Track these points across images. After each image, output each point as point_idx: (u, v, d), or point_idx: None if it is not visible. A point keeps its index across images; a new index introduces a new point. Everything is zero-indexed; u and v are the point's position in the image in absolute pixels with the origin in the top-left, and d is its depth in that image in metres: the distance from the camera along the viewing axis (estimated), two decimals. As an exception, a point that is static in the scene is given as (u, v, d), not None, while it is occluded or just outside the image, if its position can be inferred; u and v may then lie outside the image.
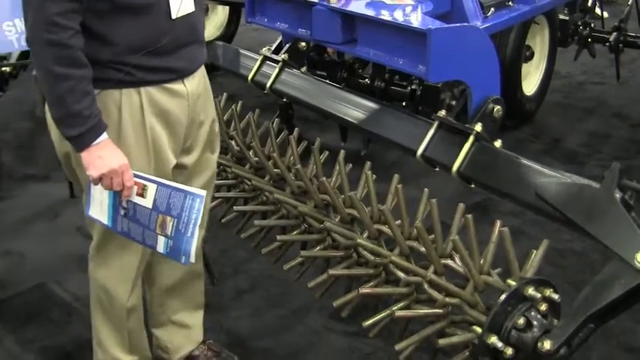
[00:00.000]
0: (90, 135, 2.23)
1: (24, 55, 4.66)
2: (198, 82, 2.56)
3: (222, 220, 3.49)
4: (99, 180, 2.28)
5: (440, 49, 2.80)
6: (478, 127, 2.91)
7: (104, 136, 2.26)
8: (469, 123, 2.99)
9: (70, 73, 2.16)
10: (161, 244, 2.32)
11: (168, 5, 2.32)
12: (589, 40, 5.95)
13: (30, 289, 3.60)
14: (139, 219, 2.34)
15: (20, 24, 3.78)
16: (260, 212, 3.45)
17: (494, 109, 3.03)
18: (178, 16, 2.35)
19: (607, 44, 5.89)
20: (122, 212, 2.36)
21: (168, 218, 2.28)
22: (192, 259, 2.29)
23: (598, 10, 6.41)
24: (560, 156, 5.06)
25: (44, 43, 2.13)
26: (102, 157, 2.25)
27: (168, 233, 2.29)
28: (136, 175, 2.32)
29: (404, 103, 4.13)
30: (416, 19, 2.99)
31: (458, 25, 3.08)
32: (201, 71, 2.60)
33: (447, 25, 2.90)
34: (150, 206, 2.31)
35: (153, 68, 2.35)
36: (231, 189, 3.52)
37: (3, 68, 5.11)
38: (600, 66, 6.58)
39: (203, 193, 2.27)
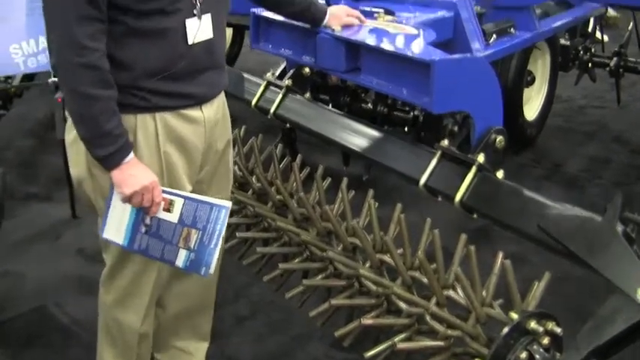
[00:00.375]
0: (121, 153, 2.26)
1: (27, 76, 4.68)
2: (216, 108, 2.56)
3: (225, 246, 3.48)
4: (130, 198, 2.29)
5: (443, 80, 2.80)
6: (481, 158, 2.90)
7: (132, 154, 2.29)
8: (472, 153, 2.98)
9: (102, 94, 2.19)
10: (181, 258, 2.36)
11: (185, 30, 2.33)
12: (590, 64, 5.97)
13: (29, 311, 3.58)
14: (162, 234, 2.37)
15: (27, 47, 3.81)
16: (262, 239, 3.45)
17: (497, 140, 3.03)
18: (196, 41, 2.36)
19: (607, 69, 5.92)
20: (143, 229, 2.38)
21: (194, 231, 2.33)
22: (212, 271, 2.34)
23: (599, 34, 6.42)
24: (561, 181, 5.07)
25: (76, 67, 2.15)
26: (133, 174, 2.28)
27: (192, 246, 2.33)
28: (163, 191, 2.35)
29: (406, 129, 4.13)
30: (420, 49, 2.98)
31: (461, 56, 3.08)
32: (221, 97, 2.61)
33: (450, 57, 2.90)
34: (176, 220, 2.35)
35: (169, 93, 2.36)
36: (234, 215, 3.52)
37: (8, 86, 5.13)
38: (601, 90, 6.60)
39: (228, 204, 2.32)
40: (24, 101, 5.57)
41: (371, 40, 3.09)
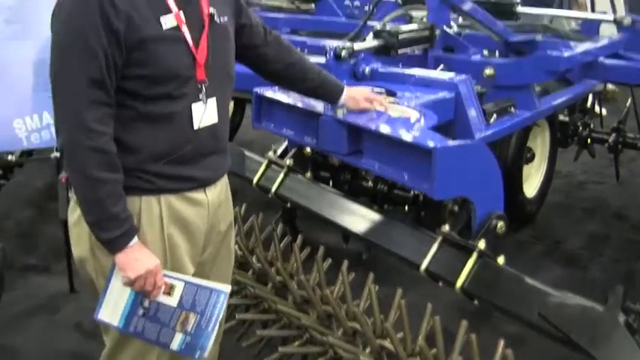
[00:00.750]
0: (126, 237, 2.27)
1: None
2: (220, 190, 2.57)
3: (224, 327, 3.47)
4: (133, 282, 2.29)
5: (445, 167, 2.84)
6: (481, 244, 2.93)
7: (136, 238, 2.30)
8: (472, 239, 3.01)
9: (110, 178, 2.21)
10: (177, 342, 2.36)
11: (191, 115, 2.36)
12: (589, 140, 6.00)
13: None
14: (160, 317, 2.36)
15: (31, 122, 3.84)
16: (262, 320, 3.44)
17: (498, 225, 3.05)
18: (201, 126, 2.38)
19: (606, 145, 5.95)
20: (140, 312, 2.37)
21: (192, 315, 2.34)
22: (206, 354, 2.34)
23: (597, 109, 6.48)
24: (561, 259, 5.05)
25: (85, 150, 2.18)
26: (138, 259, 2.29)
27: (189, 329, 2.34)
28: (164, 275, 2.36)
29: (406, 208, 4.14)
30: (421, 135, 3.01)
31: (463, 142, 3.12)
32: (224, 180, 2.62)
33: (452, 144, 2.94)
34: (175, 304, 2.35)
35: (174, 177, 2.38)
36: (233, 295, 3.51)
37: (9, 157, 5.15)
38: (600, 165, 6.62)
39: (228, 289, 2.34)
40: (24, 170, 5.58)
41: (373, 125, 3.12)
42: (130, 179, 2.29)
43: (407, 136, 3.00)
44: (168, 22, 2.28)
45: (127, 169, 2.28)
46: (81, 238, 2.42)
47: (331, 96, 3.08)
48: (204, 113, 2.39)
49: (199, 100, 2.37)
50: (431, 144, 2.86)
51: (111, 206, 2.22)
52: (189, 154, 2.39)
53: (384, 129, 3.08)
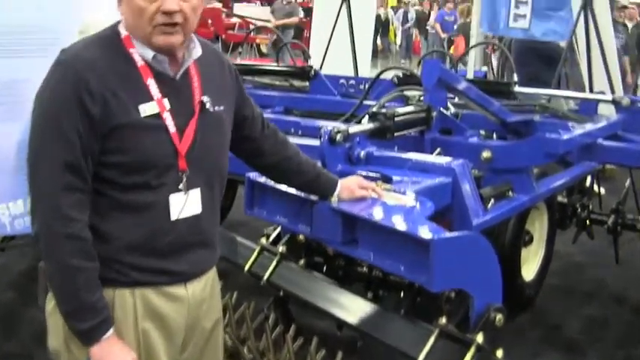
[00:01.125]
0: (101, 328, 2.23)
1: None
2: (204, 286, 2.50)
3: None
4: None
5: (443, 259, 2.80)
6: (479, 338, 2.90)
7: (112, 329, 2.25)
8: (470, 332, 2.97)
9: (86, 266, 2.19)
10: None
11: (169, 205, 2.31)
12: (587, 222, 5.99)
13: None
14: None
15: (14, 207, 3.80)
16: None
17: (497, 318, 3.01)
18: (181, 217, 2.34)
19: (605, 226, 5.94)
20: None
21: None
22: None
23: (596, 188, 6.49)
24: (561, 345, 5.00)
25: (60, 237, 2.16)
26: (112, 352, 2.24)
27: None
28: None
29: (402, 294, 4.11)
30: (418, 225, 2.98)
31: (461, 234, 3.08)
32: (211, 275, 2.55)
33: (449, 235, 2.90)
34: None
35: (150, 269, 2.32)
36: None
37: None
38: (599, 246, 6.59)
39: None
40: (5, 253, 5.52)
41: (368, 214, 3.10)
42: (103, 270, 2.26)
43: (402, 226, 2.97)
44: (147, 109, 2.27)
45: (100, 258, 2.24)
46: (56, 329, 2.36)
47: (325, 190, 3.06)
48: (185, 204, 2.34)
49: (179, 190, 2.33)
50: (428, 235, 2.83)
51: (86, 295, 2.19)
52: (168, 246, 2.34)
53: (379, 218, 3.05)
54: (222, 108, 2.47)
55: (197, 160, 2.36)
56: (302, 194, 3.24)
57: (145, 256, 2.31)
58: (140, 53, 2.30)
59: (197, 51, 2.40)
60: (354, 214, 3.12)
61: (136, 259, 2.30)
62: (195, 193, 2.38)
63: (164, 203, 2.31)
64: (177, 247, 2.37)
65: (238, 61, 11.49)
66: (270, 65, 7.58)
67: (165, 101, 2.30)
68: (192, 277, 2.44)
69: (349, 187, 3.09)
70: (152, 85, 2.30)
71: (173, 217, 2.33)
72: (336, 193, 3.05)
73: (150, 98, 2.28)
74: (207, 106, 2.40)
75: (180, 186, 2.33)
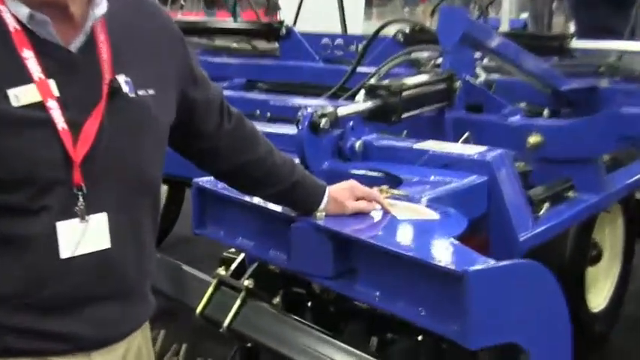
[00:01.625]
0: None
1: None
2: (122, 357, 2.34)
3: None
4: None
5: (483, 300, 2.61)
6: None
7: None
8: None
9: None
10: None
11: (56, 238, 2.13)
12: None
13: None
14: None
15: None
16: None
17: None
18: (77, 254, 2.15)
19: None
20: None
21: None
22: None
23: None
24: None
25: None
26: None
27: None
28: None
29: (420, 338, 3.95)
30: (445, 250, 2.82)
31: (509, 262, 2.89)
32: (135, 341, 2.40)
33: (492, 264, 2.70)
34: None
35: (32, 332, 2.16)
36: None
37: None
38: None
39: None
40: None
41: (371, 234, 2.95)
42: None
43: (421, 253, 2.80)
44: (23, 95, 2.08)
45: None
46: None
47: (308, 203, 2.97)
48: (84, 236, 2.16)
49: (73, 215, 2.14)
50: (460, 266, 2.63)
51: None
52: (57, 298, 2.17)
53: (388, 241, 2.89)
54: (150, 92, 2.29)
55: (102, 172, 2.18)
56: (276, 207, 3.11)
57: (21, 312, 2.14)
58: (14, 12, 2.11)
59: (103, 6, 2.20)
60: (350, 236, 2.97)
61: (10, 316, 2.14)
62: (100, 220, 2.19)
63: (49, 235, 2.13)
64: (71, 299, 2.19)
65: (179, 16, 11.51)
66: (225, 22, 7.56)
67: (52, 83, 2.11)
68: (96, 343, 2.26)
69: (340, 198, 2.99)
70: (31, 59, 2.10)
71: (64, 254, 2.14)
72: (322, 205, 2.96)
73: (27, 79, 2.09)
74: (124, 89, 2.22)
75: (76, 209, 2.15)
